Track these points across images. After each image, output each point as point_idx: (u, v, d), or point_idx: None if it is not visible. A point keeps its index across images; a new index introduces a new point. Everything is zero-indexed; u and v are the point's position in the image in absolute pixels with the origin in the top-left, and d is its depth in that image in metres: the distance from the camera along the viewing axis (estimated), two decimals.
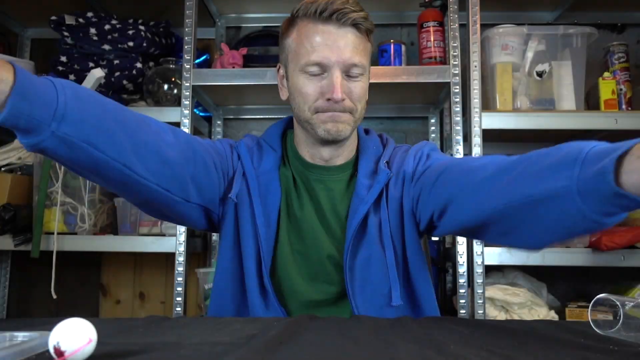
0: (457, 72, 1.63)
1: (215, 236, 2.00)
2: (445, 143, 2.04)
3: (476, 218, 0.81)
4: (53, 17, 1.78)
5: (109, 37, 1.78)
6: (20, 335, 0.61)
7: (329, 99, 0.93)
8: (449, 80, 1.63)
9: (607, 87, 1.70)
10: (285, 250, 1.00)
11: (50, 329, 0.54)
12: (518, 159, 0.76)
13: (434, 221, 0.95)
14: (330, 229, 1.01)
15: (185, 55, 1.69)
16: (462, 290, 1.56)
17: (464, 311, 1.56)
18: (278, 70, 1.07)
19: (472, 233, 0.88)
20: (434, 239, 1.92)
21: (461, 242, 1.59)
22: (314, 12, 0.93)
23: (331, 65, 0.93)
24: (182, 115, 1.67)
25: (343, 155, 1.04)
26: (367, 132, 1.12)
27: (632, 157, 0.59)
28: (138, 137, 0.80)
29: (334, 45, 0.92)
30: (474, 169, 0.84)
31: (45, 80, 0.70)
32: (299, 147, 1.04)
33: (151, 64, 1.87)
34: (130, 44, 1.78)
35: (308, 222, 1.01)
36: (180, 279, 1.62)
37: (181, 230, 1.64)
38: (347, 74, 0.95)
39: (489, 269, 1.73)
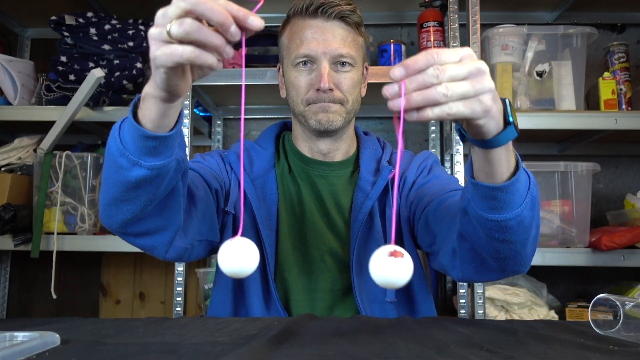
0: None
1: None
2: (445, 143, 2.04)
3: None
4: (53, 17, 1.78)
5: (109, 37, 1.78)
6: (20, 335, 0.61)
7: (318, 90, 0.96)
8: None
9: (607, 87, 1.70)
10: (287, 250, 1.00)
11: (50, 329, 0.54)
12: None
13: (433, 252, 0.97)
14: (333, 223, 1.02)
15: None
16: (462, 290, 1.56)
17: (464, 311, 1.56)
18: (278, 70, 1.09)
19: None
20: None
21: None
22: (301, 8, 0.98)
23: (318, 57, 0.96)
24: (182, 115, 1.67)
25: (341, 149, 1.05)
26: (366, 133, 1.15)
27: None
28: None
29: (320, 38, 0.95)
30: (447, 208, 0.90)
31: None
32: (298, 143, 1.06)
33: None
34: (130, 44, 1.78)
35: (309, 216, 1.01)
36: (180, 279, 1.62)
37: None
38: (336, 65, 0.97)
39: None
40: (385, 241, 0.99)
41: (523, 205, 0.69)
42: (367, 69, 1.09)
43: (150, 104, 0.66)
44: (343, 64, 0.97)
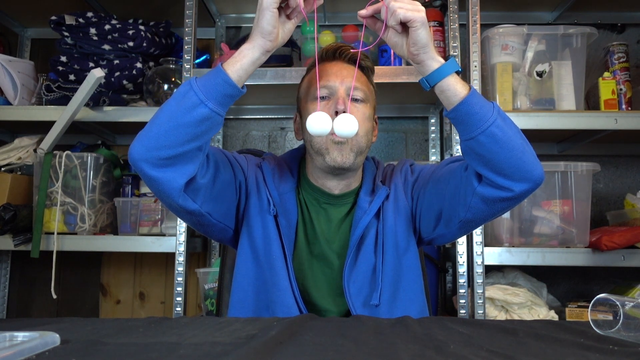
0: None
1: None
2: (445, 143, 2.04)
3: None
4: (53, 17, 1.78)
5: (109, 37, 1.78)
6: (20, 335, 0.61)
7: (336, 113, 1.04)
8: None
9: (607, 87, 1.70)
10: (304, 263, 1.09)
11: (50, 329, 0.54)
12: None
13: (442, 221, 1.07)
14: (336, 242, 1.11)
15: (185, 55, 1.69)
16: (462, 290, 1.56)
17: (464, 311, 1.56)
18: (295, 119, 1.21)
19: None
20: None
21: (461, 242, 1.59)
22: (320, 55, 1.13)
23: (337, 87, 1.08)
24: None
25: (350, 185, 1.14)
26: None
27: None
28: None
29: (338, 73, 1.10)
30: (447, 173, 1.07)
31: None
32: (311, 177, 1.15)
33: (151, 64, 1.87)
34: (130, 44, 1.78)
35: (319, 237, 1.11)
36: (180, 279, 1.62)
37: (181, 230, 1.64)
38: (350, 97, 1.08)
39: (489, 269, 1.73)
40: (375, 251, 1.08)
41: (494, 114, 0.90)
42: (376, 122, 1.19)
43: (245, 53, 0.91)
44: (356, 99, 1.09)
